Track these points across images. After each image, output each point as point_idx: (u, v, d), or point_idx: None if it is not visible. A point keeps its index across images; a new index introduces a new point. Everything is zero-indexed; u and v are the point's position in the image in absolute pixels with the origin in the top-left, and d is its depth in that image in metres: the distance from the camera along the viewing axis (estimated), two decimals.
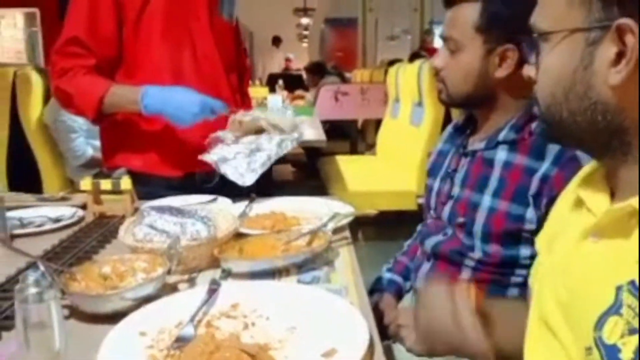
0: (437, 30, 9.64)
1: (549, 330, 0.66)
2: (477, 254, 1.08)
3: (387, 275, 1.30)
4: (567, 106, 0.61)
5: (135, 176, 1.32)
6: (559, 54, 0.61)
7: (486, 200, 1.07)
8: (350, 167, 3.73)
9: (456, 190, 1.14)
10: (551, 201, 0.90)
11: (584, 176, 0.70)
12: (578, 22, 0.58)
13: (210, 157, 1.31)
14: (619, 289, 0.53)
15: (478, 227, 1.07)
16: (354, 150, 5.06)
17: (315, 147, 4.12)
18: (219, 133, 1.35)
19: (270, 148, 1.31)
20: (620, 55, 0.55)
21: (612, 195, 0.63)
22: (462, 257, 1.10)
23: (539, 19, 0.64)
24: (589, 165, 0.71)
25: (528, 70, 0.69)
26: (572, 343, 0.61)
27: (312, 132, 3.71)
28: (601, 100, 0.57)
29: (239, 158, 1.29)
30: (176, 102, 1.32)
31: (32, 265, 0.97)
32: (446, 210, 1.15)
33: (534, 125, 1.06)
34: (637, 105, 0.56)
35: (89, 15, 1.38)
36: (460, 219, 1.10)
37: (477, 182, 1.10)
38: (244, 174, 1.27)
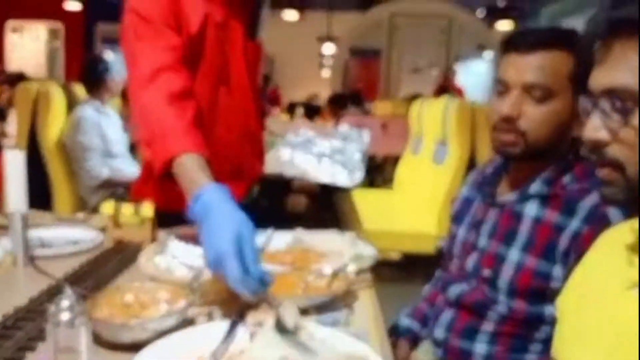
0: (460, 67, 9.73)
1: None
2: (501, 308, 1.06)
3: (404, 322, 1.28)
4: None
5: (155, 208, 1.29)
6: None
7: (514, 254, 1.04)
8: (367, 202, 3.67)
9: (482, 242, 1.11)
10: (579, 259, 0.87)
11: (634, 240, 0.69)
12: None
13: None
14: None
15: (504, 282, 1.04)
16: (371, 184, 5.04)
17: None
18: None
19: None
20: None
21: None
22: (486, 309, 1.08)
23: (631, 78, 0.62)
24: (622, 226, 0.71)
25: (596, 133, 0.67)
26: None
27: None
28: None
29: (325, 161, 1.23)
30: (211, 229, 0.96)
31: (55, 288, 0.98)
32: (470, 261, 1.13)
33: (565, 179, 1.04)
34: None
35: None
36: (485, 272, 1.08)
37: (505, 235, 1.07)
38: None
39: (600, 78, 0.66)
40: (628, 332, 0.62)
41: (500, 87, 1.06)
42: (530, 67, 1.02)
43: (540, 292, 1.01)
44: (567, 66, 1.01)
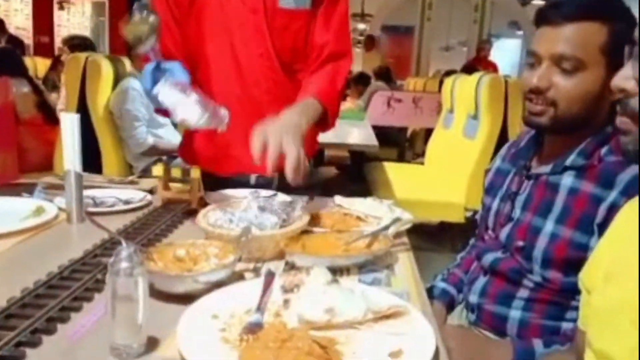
0: (495, 43, 9.56)
1: None
2: (536, 277, 1.08)
3: (440, 285, 1.31)
4: None
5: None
6: None
7: (549, 226, 1.06)
8: (398, 175, 3.72)
9: (517, 213, 1.13)
10: None
11: None
12: None
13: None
14: None
15: (538, 253, 1.06)
16: (401, 158, 5.05)
17: (361, 152, 4.14)
18: None
19: None
20: None
21: None
22: (520, 276, 1.10)
23: None
24: None
25: (624, 82, 0.67)
26: None
27: (363, 137, 3.73)
28: None
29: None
30: None
31: (108, 242, 1.03)
32: (505, 231, 1.14)
33: (603, 151, 1.04)
34: None
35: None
36: (520, 243, 1.09)
37: (540, 206, 1.08)
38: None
39: None
40: None
41: (532, 59, 1.07)
42: (560, 38, 1.02)
43: (575, 262, 1.01)
44: (600, 38, 1.00)
